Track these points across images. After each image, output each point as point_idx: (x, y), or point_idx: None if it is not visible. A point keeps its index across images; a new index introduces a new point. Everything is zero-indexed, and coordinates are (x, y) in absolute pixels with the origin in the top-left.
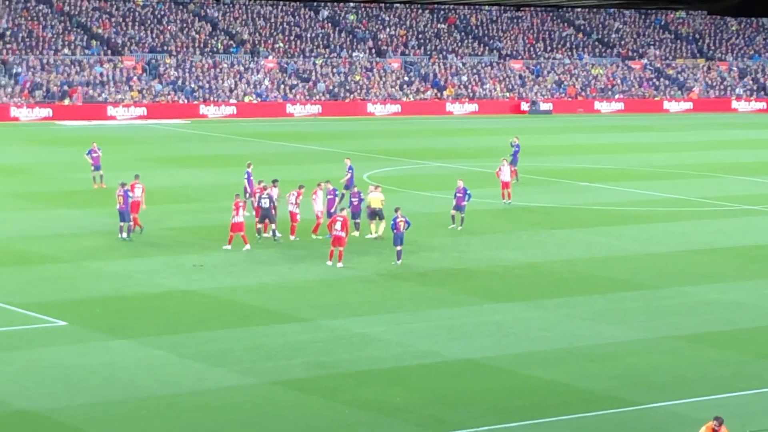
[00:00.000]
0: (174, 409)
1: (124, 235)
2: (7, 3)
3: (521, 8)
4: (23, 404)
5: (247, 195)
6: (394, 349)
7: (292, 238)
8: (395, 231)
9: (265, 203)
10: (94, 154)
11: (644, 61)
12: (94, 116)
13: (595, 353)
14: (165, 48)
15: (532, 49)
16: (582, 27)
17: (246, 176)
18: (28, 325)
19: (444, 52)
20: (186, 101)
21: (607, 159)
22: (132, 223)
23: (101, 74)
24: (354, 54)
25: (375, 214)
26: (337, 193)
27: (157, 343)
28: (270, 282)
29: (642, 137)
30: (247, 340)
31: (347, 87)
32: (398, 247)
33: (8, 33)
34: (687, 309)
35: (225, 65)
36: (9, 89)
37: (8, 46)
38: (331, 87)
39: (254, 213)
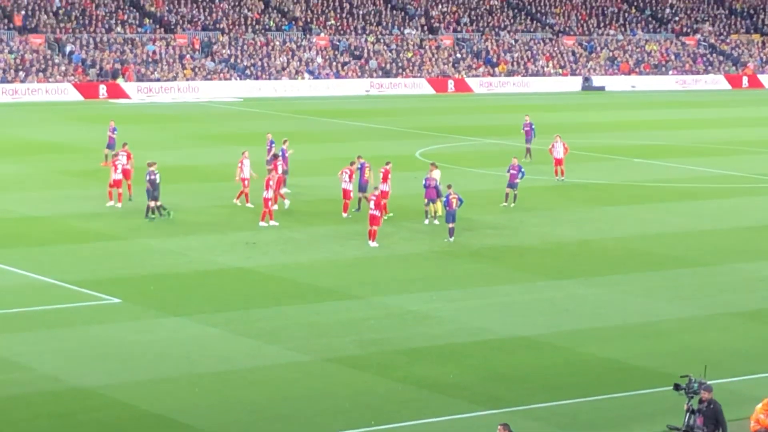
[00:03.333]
0: (228, 385)
1: (151, 215)
2: None
3: None
4: (78, 381)
5: (284, 171)
6: (448, 326)
7: (344, 215)
8: (448, 208)
9: (155, 178)
10: (111, 134)
11: (698, 36)
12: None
13: (649, 330)
14: (217, 26)
15: (585, 25)
16: (635, 2)
17: (281, 153)
18: (82, 303)
19: (496, 29)
20: (238, 79)
21: (660, 135)
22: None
23: (154, 52)
24: (406, 31)
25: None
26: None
27: (211, 320)
28: (322, 259)
29: (696, 113)
30: (300, 318)
31: (399, 64)
32: (451, 225)
33: (62, 11)
34: (741, 286)
35: (277, 43)
36: (63, 67)
37: (62, 24)
38: (383, 64)
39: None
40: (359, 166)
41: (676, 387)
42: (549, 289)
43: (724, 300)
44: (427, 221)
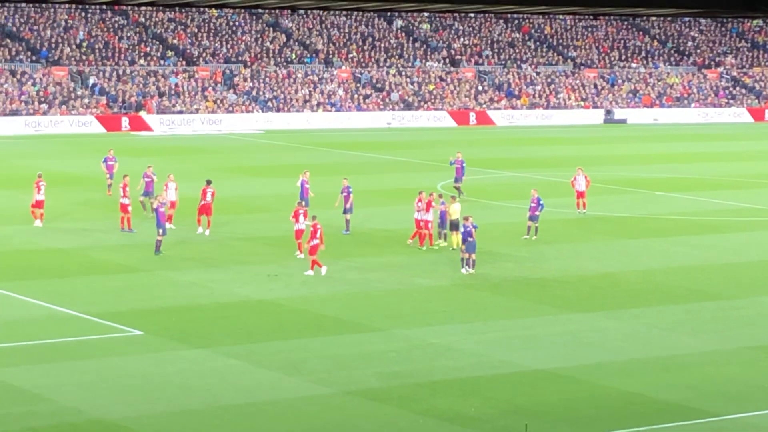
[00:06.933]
0: (249, 418)
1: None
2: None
3: (597, 17)
4: (98, 413)
5: (303, 203)
6: (469, 358)
7: (409, 242)
8: (470, 239)
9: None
10: (110, 162)
11: (720, 69)
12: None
13: (671, 363)
14: (239, 58)
15: (606, 57)
16: (657, 35)
17: (300, 183)
18: (103, 335)
19: (518, 62)
20: (260, 111)
21: (683, 168)
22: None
23: (176, 85)
24: (428, 63)
25: (455, 226)
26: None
27: (232, 352)
28: (344, 291)
29: (718, 146)
30: (322, 350)
31: (421, 97)
32: (471, 256)
33: (85, 44)
34: (764, 319)
35: (299, 75)
36: (86, 99)
37: (85, 56)
38: (404, 97)
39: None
40: (347, 189)
41: None
42: (571, 321)
43: (747, 333)
44: (464, 270)
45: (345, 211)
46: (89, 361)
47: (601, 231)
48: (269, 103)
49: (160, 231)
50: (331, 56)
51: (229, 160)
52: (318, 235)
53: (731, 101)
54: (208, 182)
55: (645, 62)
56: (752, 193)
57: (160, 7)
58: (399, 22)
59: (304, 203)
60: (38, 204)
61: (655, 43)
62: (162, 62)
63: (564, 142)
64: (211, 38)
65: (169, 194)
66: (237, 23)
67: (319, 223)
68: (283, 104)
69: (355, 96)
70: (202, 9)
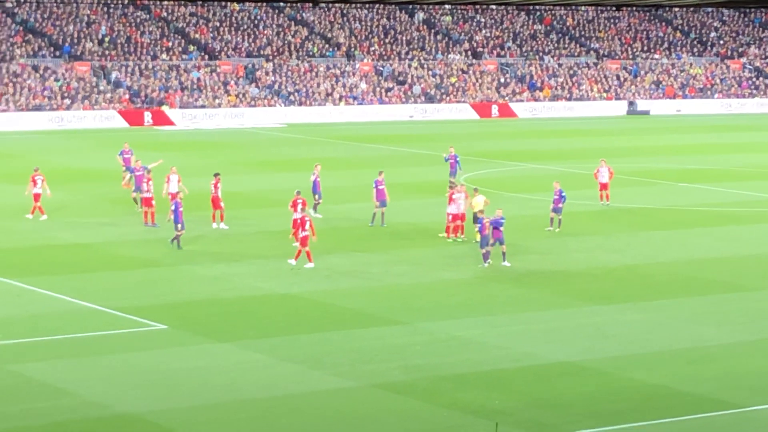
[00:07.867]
0: (272, 412)
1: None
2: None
3: (619, 8)
4: (123, 407)
5: (316, 197)
6: (493, 351)
7: (448, 238)
8: (482, 233)
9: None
10: (126, 155)
11: (743, 60)
12: None
13: (695, 355)
14: (261, 52)
15: (629, 49)
16: (680, 26)
17: (312, 178)
18: (127, 329)
19: (540, 53)
20: (282, 105)
21: (706, 159)
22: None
23: (198, 79)
24: (450, 56)
25: (478, 219)
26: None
27: (256, 346)
28: (367, 285)
29: (741, 137)
30: (345, 343)
31: (443, 89)
32: (490, 249)
33: (107, 39)
34: None
35: (321, 69)
36: (108, 94)
37: (107, 52)
38: (427, 89)
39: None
40: (381, 182)
41: None
42: (594, 314)
43: None
44: (486, 264)
45: (381, 204)
46: (113, 356)
47: (625, 223)
48: (291, 97)
49: (179, 226)
50: (353, 50)
51: (251, 155)
52: (307, 227)
53: (754, 92)
54: (215, 174)
55: (668, 53)
56: None
57: (182, 2)
58: (421, 15)
59: (317, 197)
60: (35, 197)
61: (678, 33)
62: (184, 57)
63: (587, 134)
64: (233, 32)
65: (171, 186)
66: (259, 17)
67: (308, 215)
68: (305, 98)
69: (377, 89)
70: (223, 3)
